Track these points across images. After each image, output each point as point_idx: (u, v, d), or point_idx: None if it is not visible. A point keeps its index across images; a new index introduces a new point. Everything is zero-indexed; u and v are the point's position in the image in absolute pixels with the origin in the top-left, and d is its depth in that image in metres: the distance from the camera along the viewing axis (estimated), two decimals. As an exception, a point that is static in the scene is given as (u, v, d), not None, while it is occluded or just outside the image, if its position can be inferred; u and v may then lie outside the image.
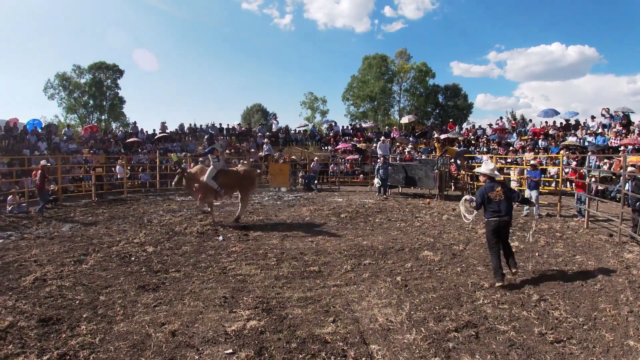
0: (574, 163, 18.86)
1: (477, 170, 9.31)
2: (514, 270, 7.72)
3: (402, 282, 7.66)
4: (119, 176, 23.07)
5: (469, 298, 6.89)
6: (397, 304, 6.66)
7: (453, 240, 10.97)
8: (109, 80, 49.38)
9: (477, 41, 75.27)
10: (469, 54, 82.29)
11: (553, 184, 20.04)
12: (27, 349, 5.27)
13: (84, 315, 6.30)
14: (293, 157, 26.87)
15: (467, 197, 8.90)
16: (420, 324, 5.87)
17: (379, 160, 20.83)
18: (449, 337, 5.48)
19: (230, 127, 34.06)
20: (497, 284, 7.41)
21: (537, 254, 9.56)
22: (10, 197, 16.42)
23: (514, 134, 27.51)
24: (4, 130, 24.07)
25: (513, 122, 34.14)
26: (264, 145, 28.17)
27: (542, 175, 17.01)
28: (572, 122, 26.71)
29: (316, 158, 25.56)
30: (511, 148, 24.00)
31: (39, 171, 16.11)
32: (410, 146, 27.78)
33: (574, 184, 16.31)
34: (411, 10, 72.25)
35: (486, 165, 8.48)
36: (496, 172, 8.32)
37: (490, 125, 30.72)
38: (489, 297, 6.87)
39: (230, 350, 5.16)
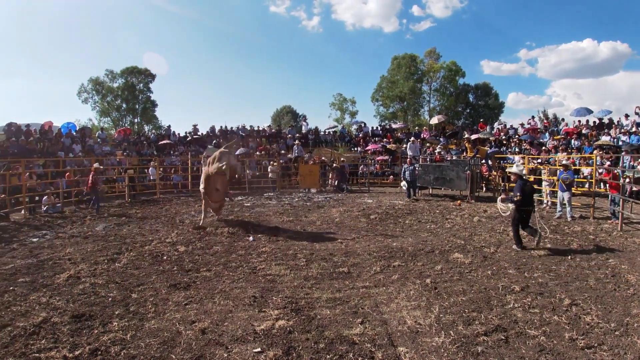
0: (608, 163, 18.43)
1: (509, 170, 11.29)
2: (534, 237, 10.36)
3: (432, 285, 7.57)
4: (151, 177, 23.43)
5: (499, 302, 6.76)
6: (426, 306, 6.59)
7: (484, 243, 10.81)
8: (141, 84, 50.20)
9: (507, 39, 74.34)
10: (499, 52, 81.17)
11: (586, 185, 19.58)
12: (60, 344, 5.37)
13: (116, 312, 6.41)
14: (323, 158, 26.83)
15: (502, 196, 10.82)
16: (449, 327, 5.79)
17: (405, 162, 20.63)
18: (478, 341, 5.39)
19: (260, 128, 34.21)
20: (516, 248, 10.10)
21: (569, 257, 9.35)
22: (45, 197, 16.80)
23: (547, 134, 26.99)
24: (39, 133, 24.61)
25: (545, 121, 33.58)
26: (294, 147, 28.25)
27: (575, 176, 16.66)
28: (606, 120, 26.11)
29: (343, 159, 25.49)
30: (543, 148, 23.54)
31: (92, 172, 16.78)
32: (440, 147, 27.49)
33: (607, 185, 15.89)
34: (439, 8, 71.85)
35: (517, 167, 10.46)
36: (524, 172, 10.39)
37: (522, 124, 30.22)
38: (519, 301, 6.73)
39: (259, 349, 5.17)
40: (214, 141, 15.62)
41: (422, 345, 5.28)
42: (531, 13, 74.19)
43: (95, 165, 17.14)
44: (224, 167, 12.64)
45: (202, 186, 13.58)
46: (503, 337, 5.44)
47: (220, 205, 14.28)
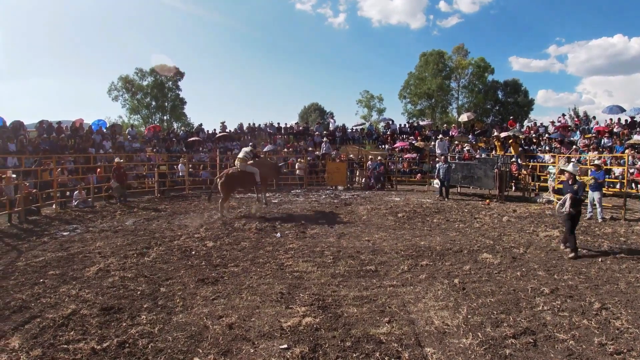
0: (640, 163, 17.99)
1: (563, 167, 10.97)
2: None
3: (460, 285, 7.46)
4: (180, 173, 23.68)
5: (528, 304, 6.62)
6: (454, 307, 6.49)
7: (513, 243, 10.62)
8: (170, 82, 50.82)
9: (536, 34, 72.54)
10: (528, 48, 79.18)
11: (617, 186, 19.11)
12: (88, 335, 5.45)
13: (145, 306, 6.47)
14: (350, 155, 26.74)
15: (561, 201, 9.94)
16: (477, 329, 5.69)
17: (439, 160, 20.30)
18: (506, 343, 5.28)
19: (288, 126, 34.28)
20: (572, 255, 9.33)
21: (599, 260, 9.12)
22: (76, 192, 17.08)
23: (577, 132, 26.43)
24: (70, 130, 25.04)
25: (576, 119, 32.90)
26: (322, 145, 28.22)
27: (606, 176, 16.29)
28: (638, 119, 25.45)
29: (371, 157, 25.35)
30: (574, 147, 23.05)
31: (114, 167, 17.44)
32: (469, 145, 27.13)
33: (639, 186, 15.48)
34: (467, 4, 71.02)
35: (573, 167, 10.17)
36: (577, 170, 10.17)
37: (552, 122, 29.66)
38: (548, 304, 6.58)
39: (285, 346, 5.16)
40: (250, 143, 16.59)
41: (449, 347, 5.20)
42: (560, 8, 72.72)
43: (117, 160, 17.84)
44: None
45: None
46: (531, 340, 5.32)
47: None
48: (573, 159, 18.18)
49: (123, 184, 17.66)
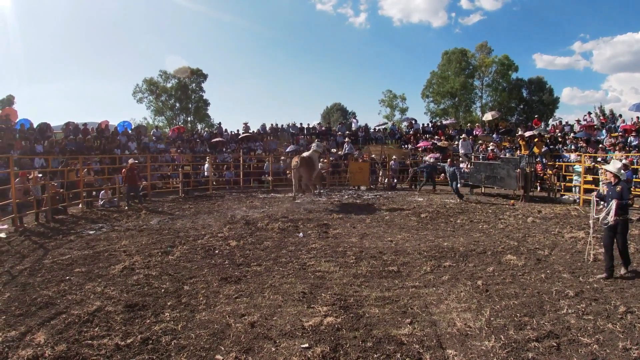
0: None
1: (604, 167, 9.47)
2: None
3: (483, 287, 7.36)
4: (205, 174, 23.89)
5: (552, 307, 6.51)
6: (476, 309, 6.42)
7: (538, 245, 10.45)
8: (194, 84, 51.43)
9: (560, 31, 71.15)
10: (552, 45, 77.66)
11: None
12: (112, 332, 5.53)
13: (168, 303, 6.54)
14: (372, 155, 26.65)
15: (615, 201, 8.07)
16: (499, 331, 5.61)
17: (447, 165, 19.98)
18: (529, 346, 5.20)
19: (310, 126, 34.35)
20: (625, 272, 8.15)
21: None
22: (102, 192, 17.34)
23: (603, 131, 25.95)
24: (96, 131, 25.45)
25: (602, 117, 32.34)
26: (345, 144, 28.21)
27: (634, 176, 15.98)
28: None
29: (395, 157, 25.23)
30: (600, 146, 22.64)
31: (127, 168, 17.14)
32: (493, 144, 26.87)
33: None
34: (489, 1, 70.46)
35: (614, 165, 8.62)
36: (623, 172, 8.58)
37: (577, 121, 29.17)
38: (573, 307, 6.45)
39: (306, 345, 5.16)
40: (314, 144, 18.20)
41: (471, 349, 5.14)
42: (584, 3, 71.56)
43: (131, 161, 17.50)
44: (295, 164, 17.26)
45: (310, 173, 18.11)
46: (555, 344, 5.23)
47: (307, 187, 18.43)
48: (614, 158, 17.87)
49: (134, 186, 17.32)
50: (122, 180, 17.43)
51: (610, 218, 8.00)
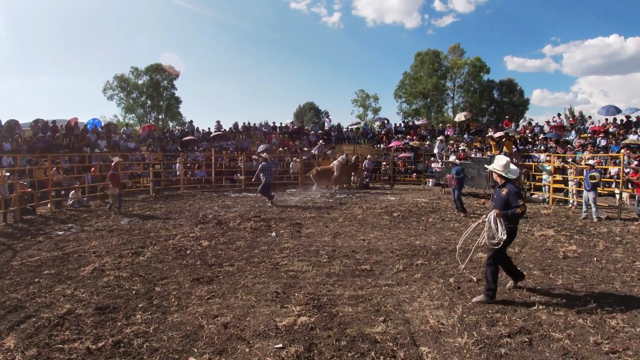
0: (635, 163, 18.04)
1: (490, 167, 7.24)
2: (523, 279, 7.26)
3: (455, 284, 7.47)
4: (177, 172, 23.67)
5: (523, 303, 6.65)
6: (449, 306, 6.51)
7: (509, 242, 10.62)
8: (166, 81, 50.79)
9: (532, 34, 72.97)
10: (523, 48, 79.63)
11: (613, 185, 19.17)
12: (83, 335, 5.45)
13: (140, 305, 6.47)
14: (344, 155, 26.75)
15: (496, 211, 6.74)
16: (472, 328, 5.69)
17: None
18: (501, 342, 5.29)
19: (283, 125, 34.29)
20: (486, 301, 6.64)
21: (595, 259, 9.15)
22: (72, 192, 17.05)
23: (573, 132, 26.53)
24: (65, 129, 24.99)
25: (571, 119, 33.01)
26: (317, 145, 28.33)
27: (602, 175, 16.31)
28: (633, 119, 25.54)
29: (369, 156, 25.37)
30: (569, 146, 23.13)
31: (113, 168, 16.21)
32: (464, 144, 27.21)
33: (635, 185, 15.50)
34: (462, 3, 71.34)
35: (498, 161, 6.99)
36: (512, 168, 6.93)
37: (547, 122, 29.77)
38: (544, 303, 6.60)
39: (280, 345, 5.16)
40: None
41: (444, 346, 5.21)
42: (556, 7, 73.09)
43: (116, 159, 17.00)
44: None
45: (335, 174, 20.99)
46: (527, 340, 5.33)
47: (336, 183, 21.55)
48: (582, 158, 18.20)
49: (120, 188, 16.29)
50: (111, 186, 15.80)
51: (500, 234, 6.61)
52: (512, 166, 6.96)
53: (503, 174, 6.81)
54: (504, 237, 6.57)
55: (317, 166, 22.39)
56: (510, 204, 6.55)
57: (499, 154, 19.91)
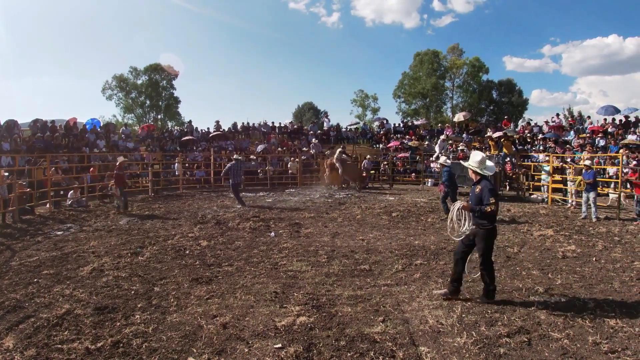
0: (634, 163, 18.03)
1: (465, 163, 7.09)
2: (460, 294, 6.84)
3: (454, 284, 7.46)
4: (176, 172, 23.66)
5: (522, 303, 6.65)
6: (448, 306, 6.50)
7: (507, 243, 10.66)
8: (165, 81, 50.77)
9: (531, 34, 73.19)
10: (522, 48, 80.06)
11: (612, 185, 19.18)
12: (82, 335, 5.44)
13: (139, 305, 6.47)
14: (344, 155, 26.74)
15: (464, 203, 6.76)
16: (471, 328, 5.68)
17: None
18: (500, 342, 5.28)
19: (282, 125, 34.30)
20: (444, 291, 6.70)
21: (594, 259, 9.16)
22: (71, 192, 17.03)
23: (572, 132, 26.55)
24: (64, 129, 24.97)
25: (570, 119, 33.05)
26: (312, 144, 28.36)
27: (602, 176, 16.31)
28: (632, 119, 25.58)
29: (368, 156, 25.38)
30: (567, 146, 23.15)
31: (118, 168, 15.98)
32: (463, 144, 27.22)
33: (633, 185, 15.51)
34: (461, 3, 71.69)
35: (473, 157, 6.73)
36: (488, 165, 6.69)
37: (546, 122, 29.80)
38: (543, 303, 6.60)
39: (280, 345, 5.15)
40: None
41: (443, 346, 5.20)
42: (555, 8, 73.26)
43: (121, 159, 16.68)
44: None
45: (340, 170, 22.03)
46: (526, 339, 5.33)
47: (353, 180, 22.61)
48: (582, 158, 18.20)
49: (123, 188, 16.02)
50: (116, 186, 15.68)
51: (464, 229, 6.67)
52: (489, 162, 6.76)
53: (478, 170, 6.59)
54: (466, 232, 6.65)
55: (326, 166, 22.64)
56: (482, 201, 6.38)
57: (498, 154, 19.95)
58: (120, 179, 15.66)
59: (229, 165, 17.35)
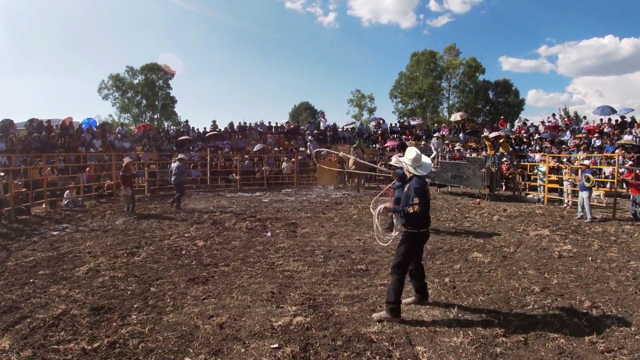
0: (630, 163, 18.11)
1: (394, 159, 6.77)
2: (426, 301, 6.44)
3: (451, 284, 7.48)
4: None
5: (518, 302, 6.65)
6: (444, 305, 6.51)
7: (504, 242, 10.67)
8: (161, 81, 50.76)
9: (527, 34, 73.12)
10: (518, 48, 79.99)
11: (608, 185, 19.24)
12: (79, 336, 5.42)
13: (135, 306, 6.45)
14: (341, 154, 26.74)
15: (387, 204, 6.51)
16: (467, 327, 5.69)
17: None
18: (497, 342, 5.29)
19: (278, 125, 34.28)
20: (390, 317, 5.86)
21: (590, 259, 9.18)
22: (67, 192, 16.99)
23: (568, 132, 26.62)
24: (60, 129, 24.90)
25: (566, 119, 33.13)
26: (308, 144, 28.35)
27: (597, 176, 16.35)
28: (628, 119, 25.66)
29: (364, 156, 25.38)
30: (564, 146, 23.21)
31: (124, 170, 15.70)
32: (459, 144, 27.27)
33: (629, 185, 15.56)
34: (457, 3, 71.38)
35: (408, 154, 6.11)
36: (424, 163, 6.06)
37: (542, 122, 29.88)
38: (539, 302, 6.62)
39: (276, 345, 5.15)
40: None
41: (440, 345, 5.21)
42: (551, 8, 73.27)
43: (127, 159, 16.29)
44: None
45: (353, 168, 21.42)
46: (522, 339, 5.34)
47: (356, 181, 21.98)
48: (577, 158, 18.28)
49: (132, 189, 15.80)
50: (123, 187, 15.55)
51: (394, 231, 6.44)
52: (425, 160, 6.12)
53: (411, 170, 6.00)
54: (394, 235, 6.48)
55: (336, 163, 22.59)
56: (409, 201, 5.79)
57: (495, 153, 20.00)
58: (128, 180, 15.48)
59: (173, 165, 16.91)
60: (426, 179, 5.99)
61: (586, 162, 15.02)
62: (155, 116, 51.55)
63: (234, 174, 24.51)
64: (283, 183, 24.95)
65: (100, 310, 6.22)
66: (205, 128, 31.81)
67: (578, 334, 5.52)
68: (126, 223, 13.21)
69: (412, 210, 5.66)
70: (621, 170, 16.74)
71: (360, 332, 5.49)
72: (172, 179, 16.70)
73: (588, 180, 13.63)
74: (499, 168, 19.72)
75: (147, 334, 5.46)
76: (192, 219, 13.73)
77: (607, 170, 19.49)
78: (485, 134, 26.56)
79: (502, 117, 39.47)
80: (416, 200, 5.65)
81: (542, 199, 17.68)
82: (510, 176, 20.63)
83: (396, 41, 78.44)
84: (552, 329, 5.67)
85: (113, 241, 10.72)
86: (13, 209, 13.75)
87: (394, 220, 6.47)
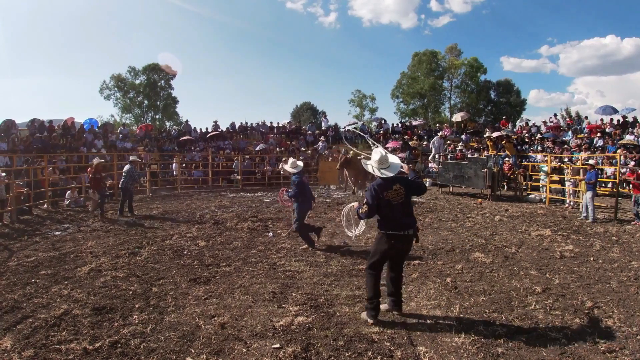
0: (632, 163, 18.06)
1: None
2: (395, 312, 6.16)
3: (452, 284, 7.46)
4: (174, 173, 23.64)
5: (520, 302, 6.64)
6: (446, 305, 6.50)
7: (505, 242, 10.66)
8: (163, 81, 50.69)
9: (528, 34, 72.66)
10: (519, 48, 79.40)
11: (609, 185, 19.19)
12: (80, 335, 5.43)
13: (137, 306, 6.46)
14: (342, 154, 26.73)
15: (354, 204, 6.71)
16: (469, 328, 5.68)
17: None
18: (498, 342, 5.28)
19: (280, 125, 34.27)
20: (369, 321, 5.78)
21: (591, 259, 9.17)
22: (68, 192, 17.01)
23: (569, 132, 26.57)
24: (61, 129, 24.94)
25: (568, 119, 33.08)
26: (319, 144, 28.33)
27: (600, 176, 16.32)
28: (630, 119, 25.60)
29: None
30: (565, 146, 23.16)
31: (91, 169, 15.07)
32: (461, 144, 27.22)
33: (631, 186, 15.54)
34: (458, 3, 70.99)
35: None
36: (391, 163, 5.95)
37: (544, 122, 29.85)
38: (541, 303, 6.61)
39: (278, 345, 5.15)
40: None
41: (441, 345, 5.20)
42: (552, 8, 72.87)
43: (96, 160, 15.32)
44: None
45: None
46: (524, 339, 5.34)
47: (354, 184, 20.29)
48: (579, 158, 18.26)
49: (102, 192, 15.02)
50: (92, 190, 15.11)
51: (358, 229, 6.65)
52: (393, 160, 6.00)
53: (377, 173, 5.84)
54: (358, 233, 7.02)
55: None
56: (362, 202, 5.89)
57: (496, 154, 19.97)
58: (97, 182, 14.68)
59: (125, 167, 15.49)
60: (395, 181, 5.81)
61: (591, 161, 14.95)
62: (157, 116, 51.50)
63: (235, 174, 24.50)
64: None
65: (101, 310, 6.23)
66: (206, 128, 31.84)
67: (579, 334, 5.51)
68: (128, 223, 13.21)
69: (361, 211, 5.90)
70: (623, 171, 16.71)
71: (361, 332, 5.49)
72: (119, 182, 15.65)
73: (590, 180, 13.61)
74: (501, 168, 19.69)
75: (149, 334, 5.47)
76: (193, 219, 13.73)
77: (609, 170, 19.46)
78: (487, 134, 26.51)
79: (504, 117, 39.42)
80: (365, 202, 5.89)
81: (544, 199, 17.66)
82: (512, 176, 20.60)
83: (397, 41, 78.31)
84: (553, 329, 5.66)
85: (115, 241, 10.74)
86: (15, 209, 13.76)
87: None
